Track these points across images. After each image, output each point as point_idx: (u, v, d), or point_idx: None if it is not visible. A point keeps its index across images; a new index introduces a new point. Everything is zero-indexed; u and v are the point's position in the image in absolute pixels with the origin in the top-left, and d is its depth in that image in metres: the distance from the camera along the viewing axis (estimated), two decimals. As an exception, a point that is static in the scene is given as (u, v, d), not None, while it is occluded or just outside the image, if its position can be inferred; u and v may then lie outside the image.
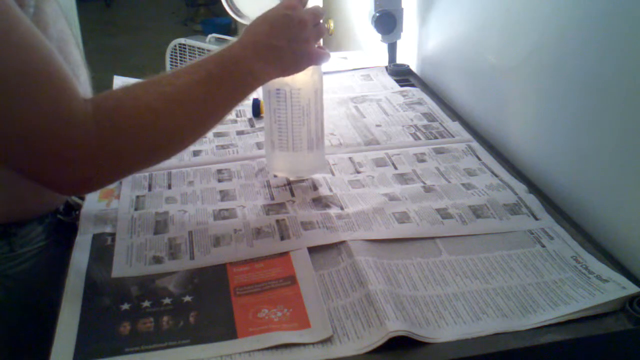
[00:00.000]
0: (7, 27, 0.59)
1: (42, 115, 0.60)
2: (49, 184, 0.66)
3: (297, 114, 0.87)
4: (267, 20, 0.77)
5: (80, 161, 0.63)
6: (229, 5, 1.28)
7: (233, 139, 1.08)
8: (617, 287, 0.70)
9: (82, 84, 0.77)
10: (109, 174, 0.68)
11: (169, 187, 0.93)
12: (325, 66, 0.87)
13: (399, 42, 1.38)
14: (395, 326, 0.64)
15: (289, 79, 0.84)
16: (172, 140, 0.70)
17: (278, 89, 0.86)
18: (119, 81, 1.24)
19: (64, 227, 0.85)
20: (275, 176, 0.95)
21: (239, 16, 1.29)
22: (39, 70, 0.60)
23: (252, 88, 0.76)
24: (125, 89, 0.68)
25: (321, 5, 1.30)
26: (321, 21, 0.82)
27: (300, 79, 0.85)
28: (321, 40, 0.86)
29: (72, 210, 0.88)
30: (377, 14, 1.32)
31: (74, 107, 0.62)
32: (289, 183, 0.93)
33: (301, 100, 0.87)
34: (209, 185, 0.93)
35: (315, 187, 0.92)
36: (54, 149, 0.61)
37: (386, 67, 1.40)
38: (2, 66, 0.58)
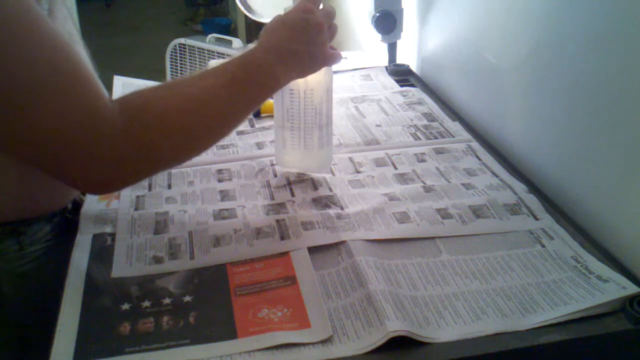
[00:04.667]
0: (33, 28, 0.60)
1: (70, 115, 0.61)
2: (76, 182, 0.68)
3: (310, 113, 0.89)
4: (287, 24, 0.78)
5: (107, 159, 0.64)
6: (241, 2, 1.28)
7: (233, 139, 1.08)
8: (617, 287, 0.70)
9: None
10: (135, 172, 0.69)
11: (169, 187, 0.93)
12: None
13: (399, 42, 1.38)
14: (395, 326, 0.64)
15: (302, 80, 0.86)
16: (196, 139, 0.72)
17: (292, 90, 0.88)
18: (119, 81, 1.24)
19: (72, 226, 0.85)
20: (275, 176, 0.95)
21: (250, 12, 1.29)
22: (66, 70, 0.61)
23: (273, 91, 0.79)
24: (152, 89, 0.69)
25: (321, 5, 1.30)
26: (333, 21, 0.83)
27: (313, 80, 0.86)
28: None
29: (80, 209, 0.88)
30: (377, 14, 1.32)
31: (100, 106, 0.63)
32: (290, 183, 0.93)
33: (314, 100, 0.88)
34: (209, 185, 0.93)
35: (315, 187, 0.92)
36: (82, 147, 0.62)
37: (386, 67, 1.40)
38: (30, 67, 0.59)
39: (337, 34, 0.85)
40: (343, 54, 0.89)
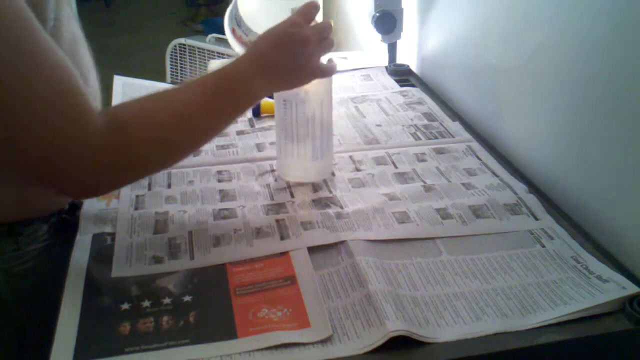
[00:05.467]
0: (32, 48, 0.62)
1: (60, 132, 0.64)
2: (63, 189, 0.72)
3: (302, 124, 0.88)
4: (269, 36, 0.79)
5: (93, 171, 0.67)
6: (234, 34, 1.20)
7: (233, 139, 1.08)
8: (617, 287, 0.70)
9: (92, 85, 0.82)
10: (119, 181, 0.74)
11: (169, 186, 0.93)
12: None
13: (399, 42, 1.38)
14: (395, 326, 0.64)
15: (294, 91, 0.86)
16: (177, 151, 0.75)
17: (285, 100, 0.88)
18: (119, 81, 1.24)
19: (68, 226, 0.85)
20: (275, 180, 0.95)
21: (244, 44, 1.23)
22: (60, 89, 0.64)
23: (254, 101, 0.79)
24: (137, 103, 0.72)
25: (321, 5, 1.29)
26: (330, 35, 0.82)
27: (307, 91, 0.86)
28: None
29: (77, 209, 0.88)
30: (377, 14, 1.32)
31: (90, 124, 0.66)
32: (289, 186, 0.93)
33: (306, 112, 0.88)
34: (209, 185, 0.93)
35: (315, 188, 0.92)
36: (69, 161, 0.66)
37: (386, 67, 1.40)
38: (26, 86, 0.62)
39: (336, 35, 0.84)
40: (343, 54, 0.89)
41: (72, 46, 0.76)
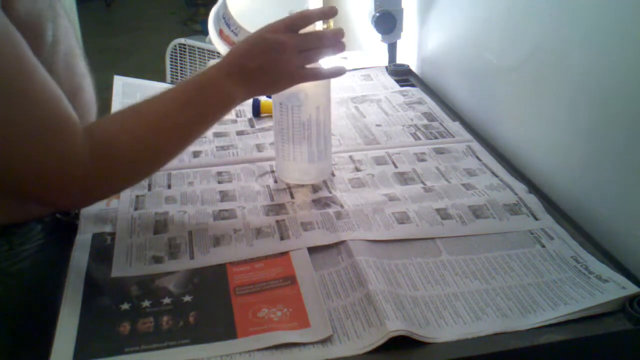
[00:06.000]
0: (24, 81, 0.65)
1: (48, 158, 0.67)
2: (48, 205, 0.78)
3: (298, 128, 0.88)
4: (246, 42, 0.79)
5: (76, 191, 0.70)
6: (221, 36, 1.15)
7: (233, 140, 1.08)
8: (617, 287, 0.70)
9: (87, 92, 0.84)
10: (101, 196, 0.77)
11: (169, 187, 0.93)
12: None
13: (399, 42, 1.38)
14: (395, 326, 0.64)
15: (295, 93, 0.85)
16: (156, 162, 0.77)
17: (281, 103, 0.87)
18: (119, 81, 1.24)
19: (63, 226, 0.85)
20: (275, 181, 0.95)
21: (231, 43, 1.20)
22: (50, 121, 0.67)
23: (230, 107, 0.79)
24: (118, 121, 0.75)
25: (321, 4, 1.29)
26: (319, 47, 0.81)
27: (306, 94, 0.86)
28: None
29: (70, 210, 0.88)
30: (377, 14, 1.32)
31: (77, 151, 0.68)
32: (289, 187, 0.93)
33: (302, 116, 0.88)
34: (209, 185, 0.93)
35: (315, 189, 0.92)
36: (56, 183, 0.69)
37: (386, 67, 1.40)
38: (19, 119, 0.64)
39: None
40: (343, 54, 0.88)
41: (67, 58, 0.78)
